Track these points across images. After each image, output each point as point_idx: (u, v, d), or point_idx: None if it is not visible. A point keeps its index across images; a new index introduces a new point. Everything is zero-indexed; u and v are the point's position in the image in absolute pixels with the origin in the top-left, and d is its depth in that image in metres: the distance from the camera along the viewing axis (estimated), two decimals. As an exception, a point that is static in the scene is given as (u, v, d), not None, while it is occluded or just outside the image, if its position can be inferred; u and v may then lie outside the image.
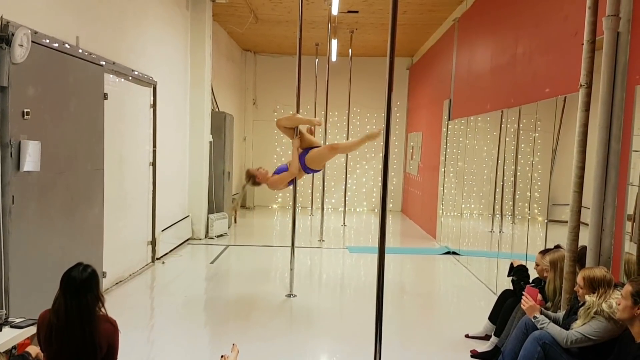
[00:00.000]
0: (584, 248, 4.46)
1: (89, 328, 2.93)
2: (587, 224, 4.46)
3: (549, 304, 4.59)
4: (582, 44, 4.39)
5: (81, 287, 2.96)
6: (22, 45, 4.47)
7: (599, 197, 4.34)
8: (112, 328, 3.09)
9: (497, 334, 4.94)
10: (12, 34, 4.36)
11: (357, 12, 10.89)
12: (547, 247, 5.08)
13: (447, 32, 10.95)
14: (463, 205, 9.41)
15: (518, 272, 5.12)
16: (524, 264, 5.28)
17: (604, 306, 3.63)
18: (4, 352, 3.56)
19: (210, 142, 10.43)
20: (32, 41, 4.62)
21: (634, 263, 4.15)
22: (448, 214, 10.42)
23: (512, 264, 5.30)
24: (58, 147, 5.27)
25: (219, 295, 7.06)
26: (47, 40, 4.99)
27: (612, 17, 4.23)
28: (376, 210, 15.91)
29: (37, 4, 5.02)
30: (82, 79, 5.74)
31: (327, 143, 12.30)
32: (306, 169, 6.48)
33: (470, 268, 8.56)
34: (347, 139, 13.45)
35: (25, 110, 4.64)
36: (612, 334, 3.60)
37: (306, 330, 5.78)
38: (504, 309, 5.00)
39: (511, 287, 5.21)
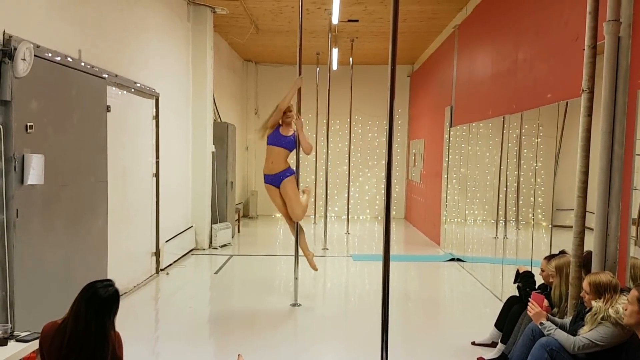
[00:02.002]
0: (590, 253, 4.44)
1: (100, 346, 2.94)
2: (592, 229, 4.44)
3: (555, 310, 4.57)
4: (583, 49, 4.40)
5: (104, 305, 2.97)
6: (24, 60, 4.49)
7: (603, 202, 4.34)
8: (116, 341, 3.09)
9: (503, 341, 4.92)
10: (15, 48, 4.38)
11: (357, 21, 10.93)
12: (553, 253, 5.06)
13: (447, 40, 10.97)
14: (466, 212, 9.39)
15: (524, 278, 5.10)
16: (529, 269, 5.27)
17: (611, 311, 3.62)
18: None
19: (213, 152, 10.45)
20: (35, 55, 4.64)
21: (640, 267, 4.15)
22: (452, 220, 10.40)
23: (517, 271, 5.28)
24: (61, 160, 5.28)
25: (223, 306, 7.05)
26: (50, 54, 5.01)
27: (612, 22, 4.24)
28: (379, 217, 15.90)
29: (40, 18, 5.05)
30: (85, 92, 5.76)
31: (328, 151, 12.31)
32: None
33: (475, 274, 8.54)
34: (349, 147, 13.47)
35: (29, 124, 4.66)
36: (619, 339, 3.59)
37: (311, 339, 5.76)
38: (510, 316, 4.98)
39: (517, 294, 5.19)
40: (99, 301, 2.98)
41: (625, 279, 4.18)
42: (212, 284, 8.15)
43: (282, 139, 6.69)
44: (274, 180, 6.73)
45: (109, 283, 3.10)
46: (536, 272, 5.16)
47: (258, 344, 5.45)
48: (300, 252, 6.88)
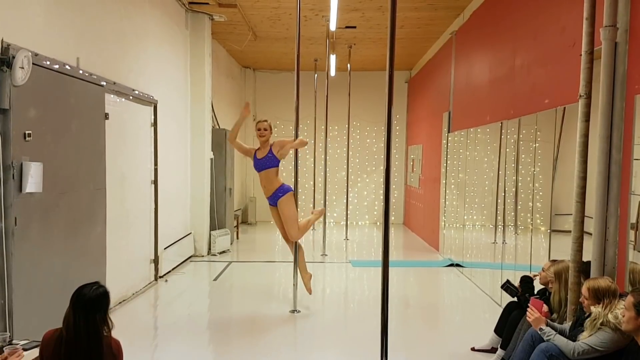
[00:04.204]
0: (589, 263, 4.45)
1: (95, 347, 2.95)
2: (590, 234, 4.45)
3: (554, 316, 4.57)
4: (581, 55, 4.41)
5: (89, 305, 2.98)
6: (23, 68, 4.49)
7: (601, 207, 4.34)
8: (115, 349, 3.09)
9: (503, 347, 4.91)
10: (13, 57, 4.39)
11: (354, 27, 10.96)
12: (554, 259, 5.04)
13: (444, 45, 11.01)
14: (465, 217, 9.40)
15: (523, 284, 5.09)
16: (527, 274, 5.25)
17: (610, 317, 3.62)
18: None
19: (211, 159, 10.45)
20: (33, 63, 4.64)
21: (639, 272, 4.14)
22: (450, 225, 10.40)
23: (508, 281, 5.22)
24: (60, 167, 5.28)
25: (222, 313, 7.03)
26: (48, 62, 5.02)
27: (609, 28, 4.25)
28: (378, 223, 15.89)
29: (38, 27, 5.05)
30: (83, 100, 5.76)
31: (327, 157, 12.28)
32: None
33: (474, 280, 8.53)
34: (348, 153, 13.45)
35: (27, 132, 4.66)
36: (618, 345, 3.59)
37: (311, 346, 5.75)
38: (510, 321, 4.97)
39: (516, 299, 5.18)
40: (85, 300, 3.00)
41: (624, 284, 4.18)
42: (211, 291, 8.13)
43: (261, 162, 6.60)
44: (272, 200, 6.70)
45: (96, 285, 3.11)
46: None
47: (257, 351, 5.44)
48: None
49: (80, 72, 5.70)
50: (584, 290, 3.90)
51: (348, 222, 13.55)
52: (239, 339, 5.89)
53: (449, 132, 10.31)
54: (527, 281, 5.09)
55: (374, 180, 16.10)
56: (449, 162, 10.46)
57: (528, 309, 4.23)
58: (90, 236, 5.95)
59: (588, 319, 3.77)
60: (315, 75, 13.33)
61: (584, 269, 4.40)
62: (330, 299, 7.94)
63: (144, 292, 7.60)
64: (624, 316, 3.40)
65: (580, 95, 4.38)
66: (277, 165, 6.63)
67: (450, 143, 10.32)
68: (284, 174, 15.90)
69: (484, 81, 8.31)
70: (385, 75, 3.43)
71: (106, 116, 6.30)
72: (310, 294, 6.97)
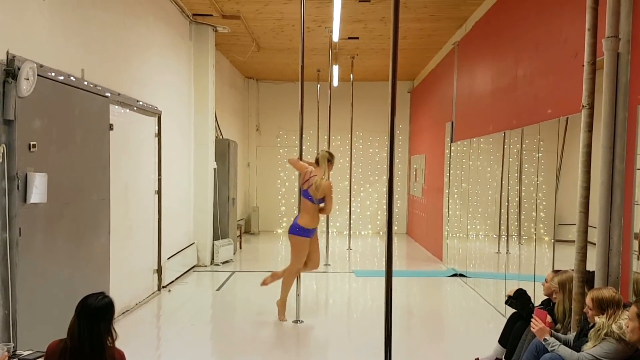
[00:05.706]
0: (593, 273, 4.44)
1: (99, 357, 2.95)
2: (594, 244, 4.44)
3: (558, 326, 4.55)
4: (583, 65, 4.43)
5: (94, 315, 3.00)
6: (28, 79, 4.52)
7: (605, 217, 4.34)
8: (119, 359, 3.10)
9: (507, 358, 4.90)
10: (18, 68, 4.42)
11: (357, 38, 11.01)
12: (557, 269, 5.03)
13: (447, 56, 11.04)
14: (468, 227, 9.39)
15: (520, 297, 5.06)
16: (521, 287, 5.22)
17: (614, 327, 3.61)
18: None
19: (215, 169, 10.48)
20: (38, 74, 4.67)
21: (643, 282, 4.14)
22: (454, 235, 10.38)
23: (510, 297, 5.20)
24: (64, 178, 5.30)
25: (225, 323, 7.02)
26: (53, 74, 5.05)
27: (611, 39, 4.28)
28: (381, 233, 15.87)
29: (43, 38, 5.09)
30: (88, 111, 5.79)
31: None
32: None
33: (478, 290, 8.51)
34: (350, 162, 13.48)
35: (32, 142, 4.68)
36: (623, 355, 3.58)
37: (314, 356, 5.74)
38: (514, 332, 4.95)
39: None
40: (90, 310, 3.01)
41: (628, 294, 4.17)
42: (214, 301, 8.12)
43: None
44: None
45: (102, 295, 3.13)
46: (538, 287, 5.14)
47: (261, 362, 5.43)
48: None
49: (85, 83, 5.73)
50: (587, 300, 3.90)
51: (351, 232, 13.55)
52: (242, 348, 5.88)
53: (451, 142, 10.32)
54: (521, 293, 5.06)
55: (377, 190, 16.10)
56: (451, 171, 10.47)
57: (532, 320, 4.22)
58: (94, 246, 5.96)
59: (592, 329, 3.76)
60: (318, 85, 13.35)
61: (587, 279, 4.40)
62: (334, 309, 7.93)
63: (147, 302, 7.60)
64: (628, 326, 3.40)
65: (583, 106, 4.39)
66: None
67: (453, 153, 10.32)
68: (287, 184, 15.97)
69: (486, 91, 8.33)
70: (387, 85, 3.45)
71: (110, 127, 6.33)
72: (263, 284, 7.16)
